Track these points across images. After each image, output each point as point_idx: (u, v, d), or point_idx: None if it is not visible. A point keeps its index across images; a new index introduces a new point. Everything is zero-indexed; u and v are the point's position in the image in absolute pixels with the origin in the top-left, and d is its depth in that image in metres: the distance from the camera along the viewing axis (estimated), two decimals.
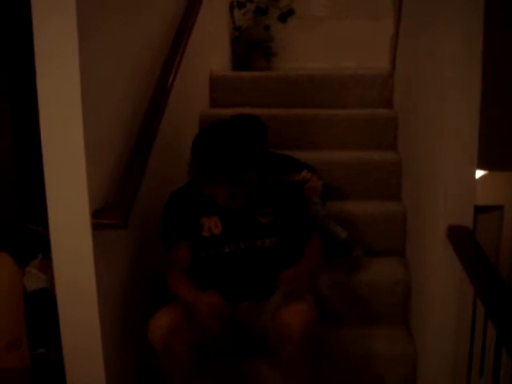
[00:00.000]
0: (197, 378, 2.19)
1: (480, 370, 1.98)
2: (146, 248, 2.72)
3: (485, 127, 2.05)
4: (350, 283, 2.77)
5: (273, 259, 2.28)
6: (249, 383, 2.47)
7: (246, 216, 2.28)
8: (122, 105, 2.44)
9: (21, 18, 2.19)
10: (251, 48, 4.68)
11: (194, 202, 2.32)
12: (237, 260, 2.28)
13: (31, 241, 2.79)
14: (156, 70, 2.83)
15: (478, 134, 2.02)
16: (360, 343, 2.58)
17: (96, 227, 2.07)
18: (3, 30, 3.07)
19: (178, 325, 2.07)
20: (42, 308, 2.57)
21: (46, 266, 2.53)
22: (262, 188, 2.31)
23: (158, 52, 2.91)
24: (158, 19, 3.00)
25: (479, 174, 5.31)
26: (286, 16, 5.12)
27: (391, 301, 2.75)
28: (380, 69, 4.01)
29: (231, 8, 4.76)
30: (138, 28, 2.63)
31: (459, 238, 1.98)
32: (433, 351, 2.26)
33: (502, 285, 1.65)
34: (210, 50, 4.10)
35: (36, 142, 2.04)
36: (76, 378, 2.19)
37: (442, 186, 2.15)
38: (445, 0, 2.11)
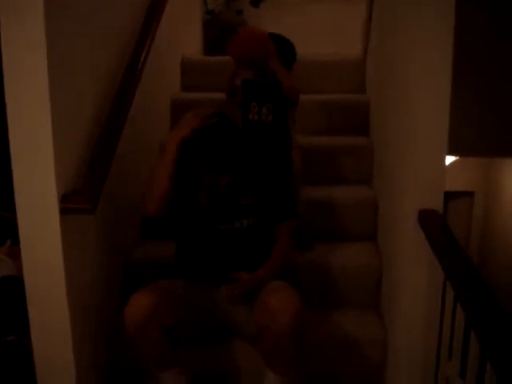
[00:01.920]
0: (172, 363, 2.19)
1: (449, 353, 2.01)
2: (116, 234, 2.70)
3: (455, 112, 2.05)
4: (320, 267, 2.78)
5: (251, 240, 2.30)
6: (225, 369, 2.47)
7: (229, 198, 2.29)
8: (90, 88, 2.41)
9: None
10: (223, 32, 4.64)
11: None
12: (218, 240, 2.30)
13: (0, 227, 2.76)
14: (126, 54, 2.80)
15: (449, 119, 2.03)
16: (331, 328, 2.59)
17: (64, 212, 2.05)
18: None
19: (156, 307, 2.05)
20: (10, 295, 2.55)
21: (16, 252, 2.49)
22: (247, 171, 2.31)
23: (128, 35, 2.88)
24: (129, 2, 2.96)
25: (450, 159, 5.36)
26: (258, 1, 5.09)
27: (362, 285, 2.76)
28: (353, 54, 4.01)
29: None
30: (108, 11, 2.59)
31: (429, 221, 1.99)
32: (403, 335, 2.28)
33: (471, 268, 1.66)
34: (182, 34, 4.07)
35: (3, 127, 2.01)
36: (46, 365, 2.18)
37: (412, 171, 2.16)
38: None
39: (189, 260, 2.36)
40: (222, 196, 2.28)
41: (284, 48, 2.78)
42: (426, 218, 1.99)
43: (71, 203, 2.06)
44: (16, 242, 2.27)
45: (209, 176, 2.20)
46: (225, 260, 2.30)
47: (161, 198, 2.21)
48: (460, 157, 5.20)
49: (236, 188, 2.29)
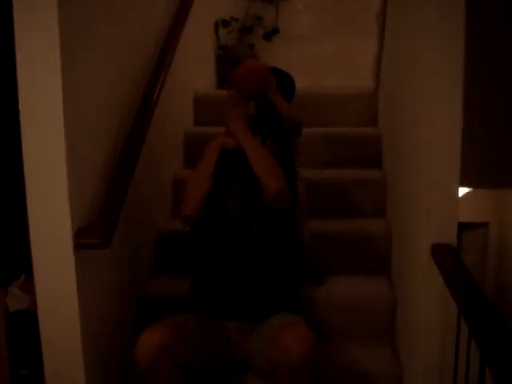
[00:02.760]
0: None
1: None
2: (130, 268, 2.70)
3: (468, 144, 2.06)
4: (332, 300, 2.76)
5: (265, 268, 2.34)
6: None
7: (240, 226, 2.37)
8: (105, 123, 2.44)
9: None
10: (236, 66, 4.68)
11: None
12: (232, 268, 2.34)
13: (14, 261, 2.77)
14: (140, 89, 2.84)
15: (461, 151, 2.03)
16: (345, 361, 2.57)
17: (78, 247, 2.07)
18: None
19: (167, 342, 2.05)
20: (24, 329, 2.55)
21: (30, 286, 2.50)
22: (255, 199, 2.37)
23: (142, 70, 2.92)
24: (143, 37, 3.01)
25: (464, 191, 5.34)
26: (270, 35, 5.15)
27: (375, 318, 2.74)
28: (364, 87, 4.04)
29: (216, 27, 4.77)
30: (123, 46, 2.63)
31: (443, 256, 1.98)
32: (418, 369, 2.25)
33: (485, 304, 1.65)
34: (195, 69, 4.12)
35: (18, 162, 2.03)
36: None
37: (426, 204, 2.15)
38: (426, 17, 2.13)
39: (202, 292, 2.37)
40: (232, 222, 2.34)
41: (283, 81, 2.83)
42: (440, 253, 1.98)
43: (85, 238, 2.07)
44: (30, 276, 2.29)
45: (216, 197, 2.30)
46: (238, 290, 2.31)
47: (199, 199, 2.32)
48: (473, 188, 5.18)
49: (246, 216, 2.33)
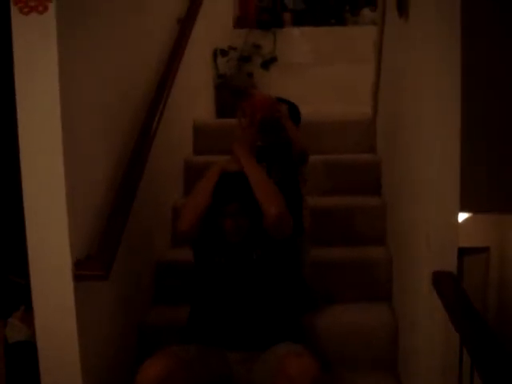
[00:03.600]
0: None
1: None
2: (130, 298, 2.69)
3: (467, 169, 2.06)
4: (335, 328, 2.76)
5: (265, 295, 2.33)
6: None
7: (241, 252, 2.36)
8: (104, 152, 2.45)
9: None
10: (235, 95, 4.71)
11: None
12: (232, 295, 2.33)
13: (14, 292, 2.76)
14: (140, 117, 2.85)
15: (461, 176, 2.03)
16: None
17: (78, 278, 2.06)
18: None
19: (168, 374, 2.03)
20: (23, 360, 2.53)
21: (29, 317, 2.49)
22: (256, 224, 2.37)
23: (142, 98, 2.94)
24: (143, 66, 3.04)
25: (463, 216, 5.33)
26: (268, 63, 5.19)
27: (378, 346, 2.72)
28: (363, 114, 4.06)
29: (214, 56, 4.81)
30: (122, 73, 2.65)
31: (444, 284, 1.97)
32: None
33: (488, 333, 1.64)
34: (194, 98, 4.14)
35: (18, 193, 2.04)
36: None
37: (425, 230, 2.15)
38: (422, 43, 2.15)
39: (203, 321, 2.35)
40: (233, 247, 2.34)
41: (291, 110, 2.87)
42: (441, 281, 1.98)
43: (84, 270, 2.07)
44: (29, 307, 2.27)
45: (214, 216, 2.32)
46: (240, 319, 2.29)
47: (194, 215, 2.33)
48: (473, 213, 5.17)
49: (247, 241, 2.34)
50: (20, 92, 1.98)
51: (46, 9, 1.94)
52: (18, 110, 1.98)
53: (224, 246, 2.36)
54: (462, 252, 2.14)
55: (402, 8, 2.54)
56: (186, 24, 3.69)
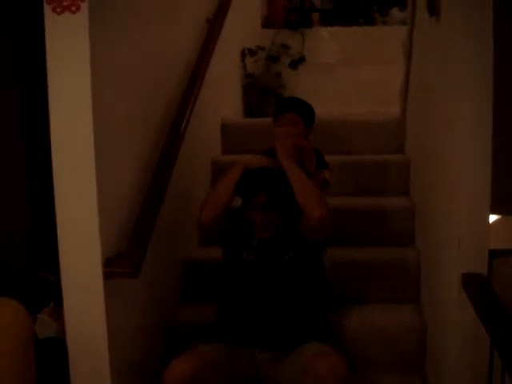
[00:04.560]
0: None
1: None
2: (158, 296, 2.71)
3: (498, 171, 2.04)
4: (362, 329, 2.74)
5: (293, 295, 2.32)
6: None
7: (274, 243, 2.37)
8: (135, 152, 2.46)
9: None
10: (263, 95, 4.71)
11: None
12: (261, 294, 2.32)
13: (44, 289, 2.79)
14: (169, 118, 2.86)
15: (491, 178, 2.01)
16: None
17: (107, 276, 2.08)
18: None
19: (195, 373, 2.04)
20: (52, 356, 2.55)
21: (58, 313, 2.51)
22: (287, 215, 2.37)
23: (171, 100, 2.95)
24: (172, 66, 3.05)
25: (493, 218, 5.26)
26: (297, 63, 5.18)
27: (405, 348, 2.70)
28: (391, 114, 4.03)
29: (243, 55, 4.82)
30: (151, 75, 2.67)
31: (474, 286, 1.95)
32: None
33: None
34: (222, 97, 4.15)
35: (50, 191, 2.06)
36: None
37: (456, 233, 2.13)
38: (454, 43, 2.13)
39: (230, 321, 2.36)
40: (265, 246, 2.35)
41: (307, 111, 2.84)
42: (471, 283, 1.96)
43: (114, 267, 2.08)
44: (58, 304, 2.30)
45: (243, 210, 2.33)
46: (268, 319, 2.29)
47: (216, 209, 2.35)
48: (503, 215, 5.11)
49: (279, 241, 2.34)
50: (52, 91, 2.00)
51: (78, 8, 1.95)
52: (51, 110, 2.00)
53: (254, 243, 2.36)
54: (492, 254, 2.12)
55: (433, 7, 2.52)
56: (214, 24, 3.70)
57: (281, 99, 3.28)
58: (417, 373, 2.68)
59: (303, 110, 2.82)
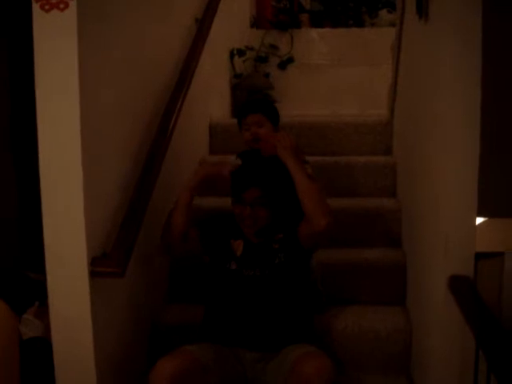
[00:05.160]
0: None
1: None
2: (144, 296, 2.70)
3: (485, 173, 2.04)
4: (348, 330, 2.74)
5: (280, 292, 2.32)
6: None
7: (263, 247, 2.36)
8: (121, 153, 2.45)
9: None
10: (251, 95, 4.71)
11: (222, 227, 2.45)
12: (247, 292, 2.32)
13: (29, 288, 2.77)
14: (156, 118, 2.85)
15: (478, 180, 2.01)
16: None
17: (93, 275, 2.07)
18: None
19: (181, 373, 2.04)
20: (37, 356, 2.54)
21: (43, 312, 2.50)
22: (277, 218, 2.36)
23: (158, 100, 2.94)
24: (159, 66, 3.04)
25: (479, 220, 5.28)
26: (285, 64, 5.19)
27: (391, 349, 2.71)
28: (379, 115, 4.04)
29: (231, 56, 4.81)
30: (139, 74, 2.66)
31: (460, 288, 1.95)
32: None
33: (505, 338, 1.62)
34: (211, 97, 4.15)
35: (36, 191, 2.05)
36: None
37: (442, 235, 2.14)
38: (443, 45, 2.13)
39: (217, 321, 2.35)
40: (255, 249, 2.35)
41: (271, 111, 2.83)
42: (457, 285, 1.96)
43: (100, 267, 2.08)
44: (44, 303, 2.28)
45: (233, 203, 2.33)
46: (255, 320, 2.29)
47: (176, 232, 2.38)
48: (490, 218, 5.13)
49: (269, 244, 2.35)
50: (40, 89, 1.99)
51: (66, 6, 1.94)
52: (38, 107, 1.99)
53: (240, 249, 2.36)
54: (478, 256, 2.13)
55: (422, 9, 2.53)
56: (203, 24, 3.69)
57: (242, 102, 3.27)
58: (403, 374, 2.69)
59: (267, 109, 2.81)
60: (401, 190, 3.42)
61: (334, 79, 5.11)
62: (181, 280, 3.07)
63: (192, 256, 2.56)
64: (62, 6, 1.95)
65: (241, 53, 4.88)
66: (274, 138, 2.42)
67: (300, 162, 2.37)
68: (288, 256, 2.34)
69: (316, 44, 5.38)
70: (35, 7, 1.95)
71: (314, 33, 5.46)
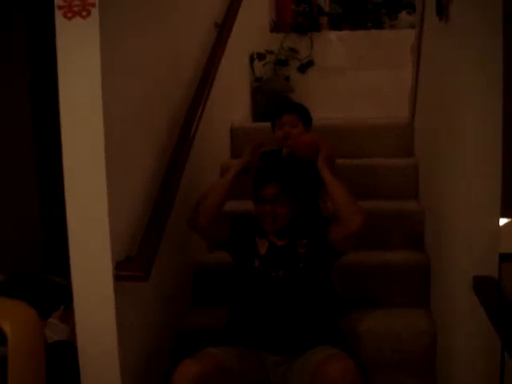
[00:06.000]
0: None
1: None
2: (168, 300, 2.71)
3: (508, 174, 2.03)
4: (371, 333, 2.74)
5: (305, 296, 2.32)
6: None
7: (288, 250, 2.37)
8: (144, 157, 2.47)
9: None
10: (271, 99, 4.72)
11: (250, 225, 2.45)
12: (272, 294, 2.32)
13: (54, 292, 2.80)
14: (178, 123, 2.87)
15: (502, 181, 2.00)
16: None
17: (118, 279, 2.09)
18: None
19: (204, 375, 2.05)
20: (62, 359, 2.56)
21: (68, 316, 2.52)
22: (301, 221, 2.39)
23: (179, 105, 2.96)
24: (181, 71, 3.06)
25: (503, 221, 5.24)
26: (305, 67, 5.19)
27: (415, 352, 2.69)
28: (400, 118, 4.03)
29: (251, 60, 4.82)
30: (161, 80, 2.68)
31: (484, 288, 1.94)
32: None
33: None
34: (231, 102, 4.16)
35: (60, 195, 2.07)
36: None
37: (466, 236, 2.12)
38: (464, 46, 2.12)
39: (241, 324, 2.36)
40: (279, 252, 2.36)
41: (304, 112, 2.94)
42: (482, 285, 1.95)
43: (125, 271, 2.10)
44: (68, 307, 2.31)
45: (256, 202, 2.35)
46: (279, 323, 2.29)
47: (210, 211, 2.38)
48: None
49: (291, 234, 2.36)
50: (63, 96, 2.01)
51: (88, 14, 1.97)
52: (61, 114, 2.01)
53: (264, 250, 2.37)
54: (502, 257, 2.11)
55: (442, 11, 2.52)
56: (223, 28, 3.71)
57: (278, 103, 3.55)
58: (427, 376, 2.67)
59: (302, 111, 2.92)
60: (423, 192, 3.40)
61: (353, 82, 5.10)
62: (204, 284, 3.08)
63: (215, 242, 2.64)
64: (84, 13, 1.97)
65: (261, 56, 4.89)
66: (313, 144, 2.45)
67: (333, 167, 2.42)
68: (313, 261, 2.34)
69: (335, 46, 5.37)
70: (58, 15, 1.98)
71: (334, 35, 5.45)
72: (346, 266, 2.85)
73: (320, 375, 2.03)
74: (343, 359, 2.08)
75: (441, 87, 2.72)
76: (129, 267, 2.12)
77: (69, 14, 1.98)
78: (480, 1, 1.98)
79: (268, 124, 3.04)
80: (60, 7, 1.98)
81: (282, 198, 2.31)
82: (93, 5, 1.96)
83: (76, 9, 1.98)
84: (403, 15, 5.79)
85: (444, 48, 2.61)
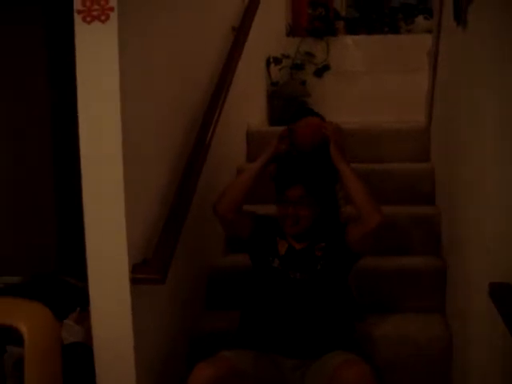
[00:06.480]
0: None
1: None
2: (183, 303, 2.72)
3: None
4: (387, 338, 2.73)
5: (323, 284, 2.32)
6: None
7: (306, 253, 2.36)
8: (162, 160, 2.48)
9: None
10: (288, 103, 4.72)
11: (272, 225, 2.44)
12: (287, 296, 2.32)
13: (70, 294, 2.82)
14: (195, 126, 2.88)
15: None
16: None
17: (134, 281, 2.10)
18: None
19: (218, 379, 2.05)
20: (77, 361, 2.58)
21: (83, 318, 2.54)
22: (320, 224, 2.38)
23: (196, 109, 2.97)
24: (198, 76, 3.07)
25: None
26: (321, 71, 5.19)
27: (430, 357, 2.68)
28: (416, 122, 4.02)
29: (268, 64, 4.83)
30: (178, 84, 2.69)
31: (502, 295, 1.92)
32: None
33: None
34: (247, 106, 4.17)
35: (77, 198, 2.09)
36: None
37: (483, 242, 2.11)
38: (481, 51, 2.11)
39: (256, 328, 2.35)
40: (297, 255, 2.35)
41: (320, 116, 2.82)
42: (499, 292, 1.93)
43: (141, 273, 2.11)
44: (84, 309, 2.32)
45: (278, 203, 2.32)
46: (295, 327, 2.29)
47: (236, 197, 2.38)
48: None
49: (310, 238, 2.35)
50: (81, 99, 2.03)
51: (107, 18, 1.99)
52: (80, 118, 2.03)
53: (283, 250, 2.37)
54: None
55: (460, 16, 2.51)
56: (240, 32, 3.72)
57: (295, 109, 3.48)
58: (443, 381, 2.66)
59: (317, 114, 2.83)
60: (440, 197, 3.39)
61: (370, 86, 5.09)
62: (219, 287, 3.09)
63: (235, 234, 2.60)
64: (103, 17, 1.99)
65: (277, 61, 4.90)
66: (318, 127, 2.44)
67: (349, 163, 2.37)
68: (330, 264, 2.34)
69: (352, 51, 5.37)
70: (77, 19, 2.00)
71: (350, 40, 5.45)
72: (362, 270, 2.84)
73: (337, 380, 2.04)
74: (360, 364, 2.08)
75: (458, 92, 2.71)
76: (145, 270, 2.13)
77: (88, 19, 2.00)
78: (498, 6, 1.97)
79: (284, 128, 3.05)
80: (79, 11, 2.00)
81: (307, 200, 2.29)
82: (112, 9, 1.98)
83: (95, 13, 1.99)
84: (420, 20, 5.77)
85: (461, 53, 2.60)
